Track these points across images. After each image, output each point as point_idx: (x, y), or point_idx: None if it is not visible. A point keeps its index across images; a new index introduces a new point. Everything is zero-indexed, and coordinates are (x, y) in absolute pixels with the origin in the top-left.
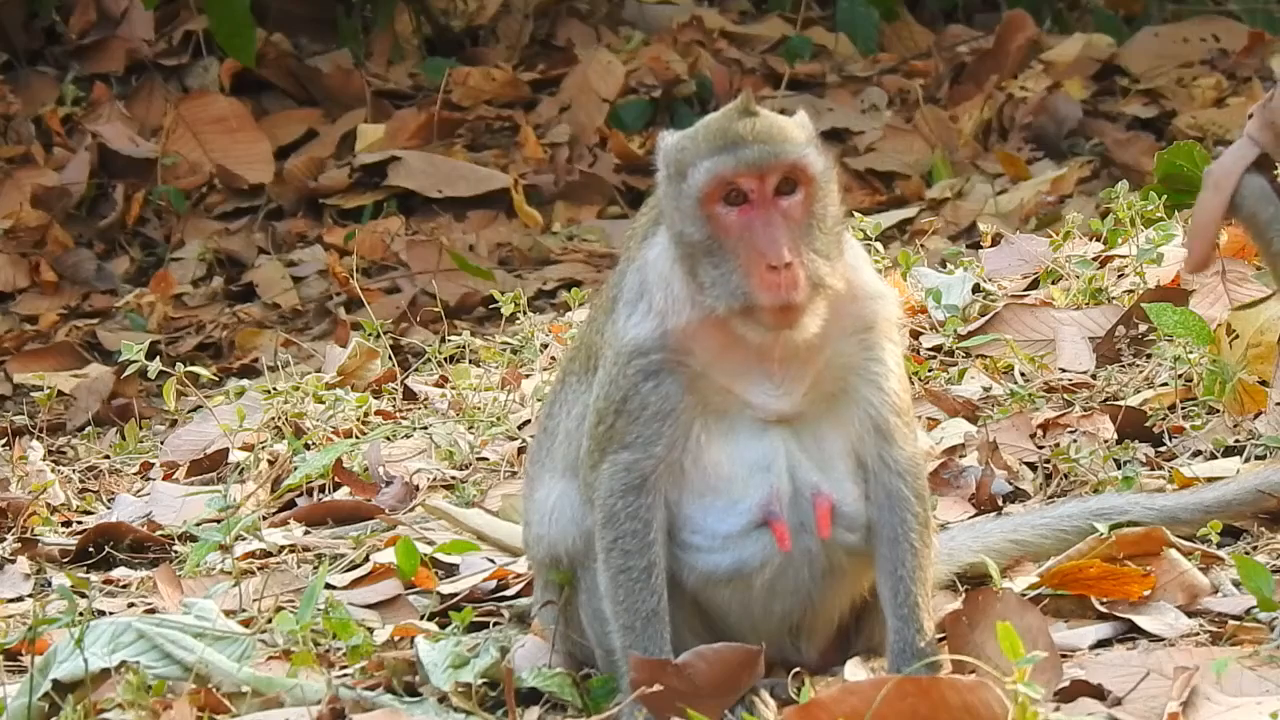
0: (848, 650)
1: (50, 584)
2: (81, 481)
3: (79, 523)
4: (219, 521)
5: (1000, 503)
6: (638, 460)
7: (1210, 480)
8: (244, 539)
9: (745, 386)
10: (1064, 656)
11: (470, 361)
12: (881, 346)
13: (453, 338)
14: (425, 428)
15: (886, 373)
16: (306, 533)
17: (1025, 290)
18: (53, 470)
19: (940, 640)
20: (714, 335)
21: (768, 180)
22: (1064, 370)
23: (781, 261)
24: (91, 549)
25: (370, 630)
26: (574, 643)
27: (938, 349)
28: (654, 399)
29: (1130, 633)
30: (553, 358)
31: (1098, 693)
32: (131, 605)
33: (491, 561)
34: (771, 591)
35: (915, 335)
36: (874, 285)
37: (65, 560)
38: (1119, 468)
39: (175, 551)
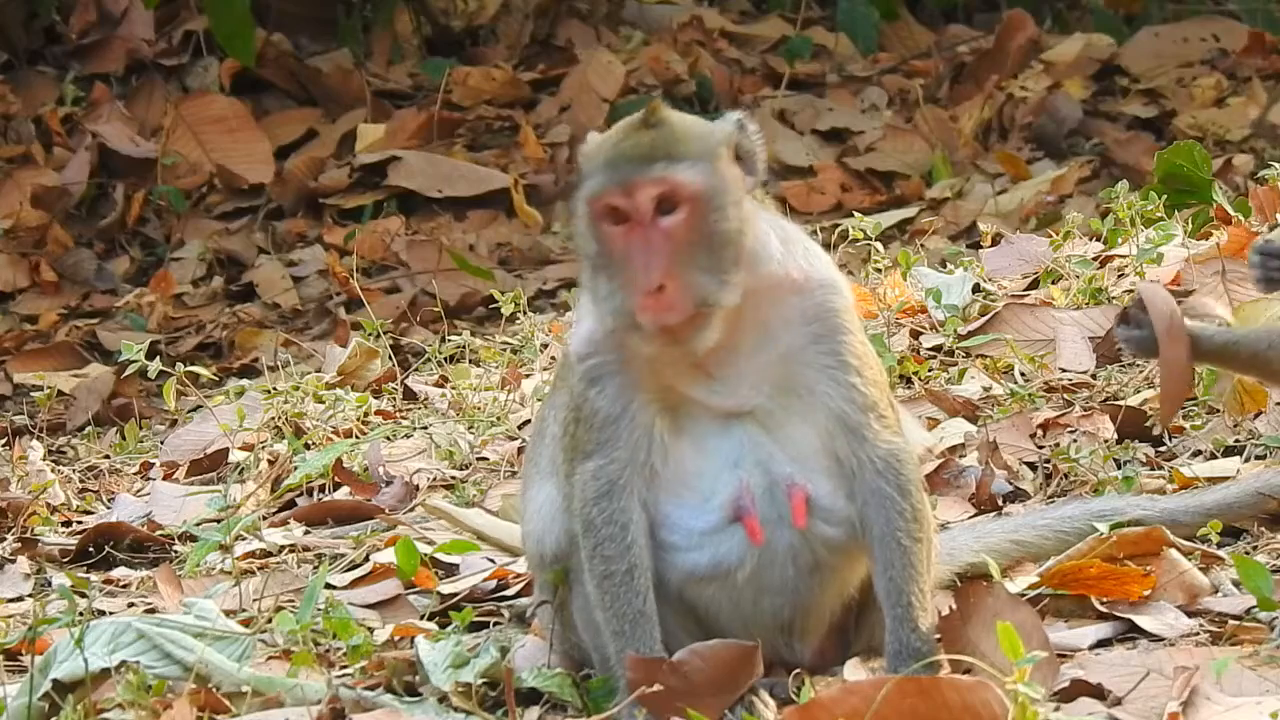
0: (847, 650)
1: (50, 584)
2: (81, 481)
3: (79, 523)
4: (219, 521)
5: (1000, 503)
6: (603, 467)
7: (1210, 480)
8: (244, 539)
9: (687, 385)
10: (1064, 656)
11: (470, 361)
12: (835, 339)
13: (453, 338)
14: (425, 428)
15: (843, 365)
16: (306, 533)
17: (1025, 290)
18: (53, 470)
19: (939, 640)
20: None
21: (640, 201)
22: (1064, 370)
23: (652, 286)
24: (91, 549)
25: (370, 630)
26: (573, 643)
27: (938, 349)
28: (602, 403)
29: (1130, 633)
30: (553, 358)
31: (1098, 693)
32: (131, 605)
33: (491, 561)
34: (758, 588)
35: (915, 335)
36: (822, 275)
37: (65, 560)
38: (1119, 468)
39: (175, 551)
